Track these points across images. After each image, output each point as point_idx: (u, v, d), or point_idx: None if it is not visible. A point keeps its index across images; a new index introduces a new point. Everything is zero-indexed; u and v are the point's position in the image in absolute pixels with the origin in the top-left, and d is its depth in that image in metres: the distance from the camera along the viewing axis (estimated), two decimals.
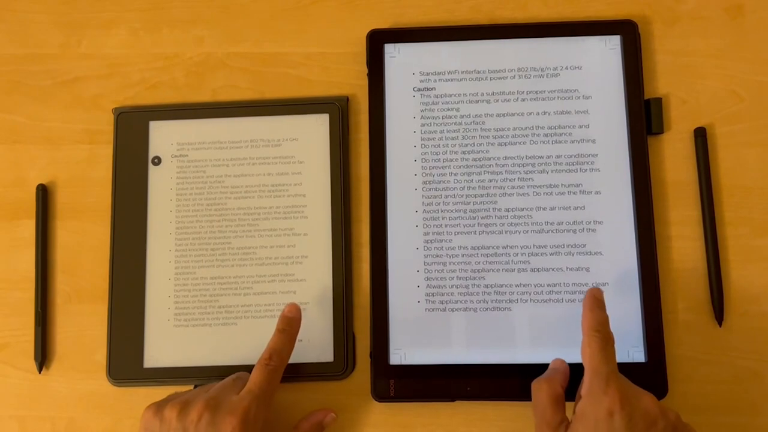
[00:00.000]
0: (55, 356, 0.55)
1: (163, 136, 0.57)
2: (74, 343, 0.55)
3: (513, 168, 0.55)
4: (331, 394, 0.53)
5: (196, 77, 0.58)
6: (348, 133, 0.57)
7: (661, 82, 0.56)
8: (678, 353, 0.52)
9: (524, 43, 0.56)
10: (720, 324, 0.53)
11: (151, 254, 0.55)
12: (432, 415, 0.52)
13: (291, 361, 0.50)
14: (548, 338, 0.52)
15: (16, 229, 0.57)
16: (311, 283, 0.54)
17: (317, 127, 0.56)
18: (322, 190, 0.55)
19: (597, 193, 0.54)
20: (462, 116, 0.56)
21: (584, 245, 0.53)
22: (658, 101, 0.55)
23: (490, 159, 0.55)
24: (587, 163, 0.54)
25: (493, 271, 0.53)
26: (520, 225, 0.54)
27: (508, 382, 0.51)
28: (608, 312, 0.47)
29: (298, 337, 0.51)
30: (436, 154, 0.55)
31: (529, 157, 0.55)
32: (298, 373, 0.52)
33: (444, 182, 0.55)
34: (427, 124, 0.56)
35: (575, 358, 0.48)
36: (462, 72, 0.56)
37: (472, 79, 0.56)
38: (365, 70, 0.57)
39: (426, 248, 0.54)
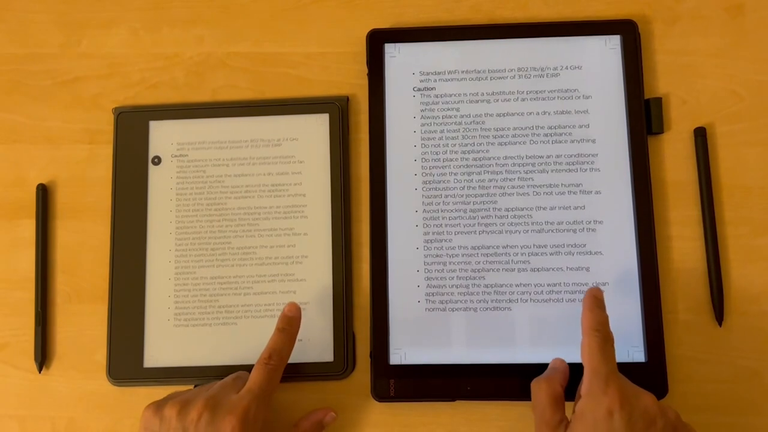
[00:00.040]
0: (55, 356, 0.55)
1: (163, 135, 0.57)
2: (74, 342, 0.55)
3: (513, 168, 0.55)
4: (331, 393, 0.53)
5: (196, 77, 0.58)
6: (348, 133, 0.57)
7: (661, 81, 0.56)
8: (678, 353, 0.52)
9: (524, 42, 0.56)
10: (720, 324, 0.53)
11: (151, 254, 0.55)
12: (432, 414, 0.52)
13: (291, 360, 0.50)
14: (548, 338, 0.52)
15: (16, 229, 0.57)
16: (311, 283, 0.54)
17: (317, 126, 0.56)
18: (322, 190, 0.55)
19: (597, 192, 0.54)
20: (462, 116, 0.56)
21: (584, 245, 0.53)
22: (658, 101, 0.55)
23: (490, 159, 0.55)
24: (587, 162, 0.54)
25: (493, 270, 0.53)
26: (520, 225, 0.54)
27: (508, 381, 0.51)
28: (608, 312, 0.47)
29: (298, 336, 0.51)
30: (436, 153, 0.55)
31: (529, 157, 0.55)
32: (298, 372, 0.52)
33: (444, 182, 0.55)
34: (427, 124, 0.56)
35: (575, 357, 0.48)
36: (462, 72, 0.56)
37: (472, 78, 0.56)
38: (365, 69, 0.57)
39: (426, 248, 0.54)
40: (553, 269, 0.53)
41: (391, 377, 0.52)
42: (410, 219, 0.54)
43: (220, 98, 0.58)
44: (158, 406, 0.47)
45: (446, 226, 0.54)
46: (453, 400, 0.52)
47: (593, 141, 0.55)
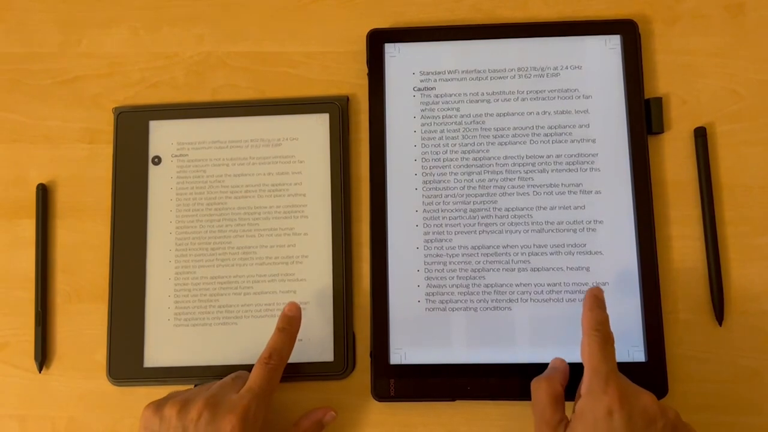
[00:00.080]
0: (55, 356, 0.55)
1: (163, 135, 0.57)
2: (74, 342, 0.55)
3: (513, 167, 0.55)
4: (331, 393, 0.53)
5: (196, 76, 0.58)
6: (348, 133, 0.57)
7: (662, 81, 0.56)
8: (678, 352, 0.52)
9: (524, 42, 0.56)
10: (720, 323, 0.53)
11: (151, 254, 0.55)
12: (432, 414, 0.52)
13: (291, 360, 0.50)
14: (548, 338, 0.52)
15: (16, 228, 0.57)
16: (311, 283, 0.54)
17: (317, 126, 0.56)
18: (322, 190, 0.55)
19: (597, 192, 0.54)
20: (462, 116, 0.56)
21: (584, 245, 0.53)
22: (658, 101, 0.55)
23: (490, 158, 0.55)
24: (587, 162, 0.54)
25: (493, 270, 0.53)
26: (521, 224, 0.54)
27: (508, 381, 0.51)
28: (608, 311, 0.47)
29: (298, 336, 0.50)
30: (437, 153, 0.55)
31: (530, 157, 0.55)
32: (298, 372, 0.52)
33: (444, 182, 0.55)
34: (428, 124, 0.56)
35: (575, 357, 0.48)
36: (462, 71, 0.56)
37: (473, 78, 0.56)
38: (365, 69, 0.57)
39: (426, 248, 0.54)
40: (553, 269, 0.53)
41: (391, 377, 0.52)
42: (410, 219, 0.54)
43: (220, 98, 0.58)
44: (158, 405, 0.47)
45: (446, 225, 0.54)
46: (453, 399, 0.52)
47: (593, 141, 0.55)
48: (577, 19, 0.57)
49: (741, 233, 0.54)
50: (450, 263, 0.53)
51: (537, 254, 0.53)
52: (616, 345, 0.46)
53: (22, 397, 0.54)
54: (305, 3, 0.59)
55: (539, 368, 0.50)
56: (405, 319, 0.53)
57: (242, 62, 0.58)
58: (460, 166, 0.55)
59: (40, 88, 0.59)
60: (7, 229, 0.57)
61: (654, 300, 0.52)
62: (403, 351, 0.52)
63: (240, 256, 0.55)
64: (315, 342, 0.53)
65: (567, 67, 0.56)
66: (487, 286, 0.53)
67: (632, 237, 0.53)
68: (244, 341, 0.53)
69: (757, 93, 0.56)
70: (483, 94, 0.56)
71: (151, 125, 0.57)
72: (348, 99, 0.57)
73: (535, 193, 0.54)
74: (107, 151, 0.57)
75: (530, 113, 0.55)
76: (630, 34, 0.56)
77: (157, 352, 0.54)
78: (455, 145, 0.55)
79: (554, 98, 0.55)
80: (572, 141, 0.55)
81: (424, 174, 0.55)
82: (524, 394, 0.49)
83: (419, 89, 0.56)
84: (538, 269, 0.53)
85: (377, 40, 0.57)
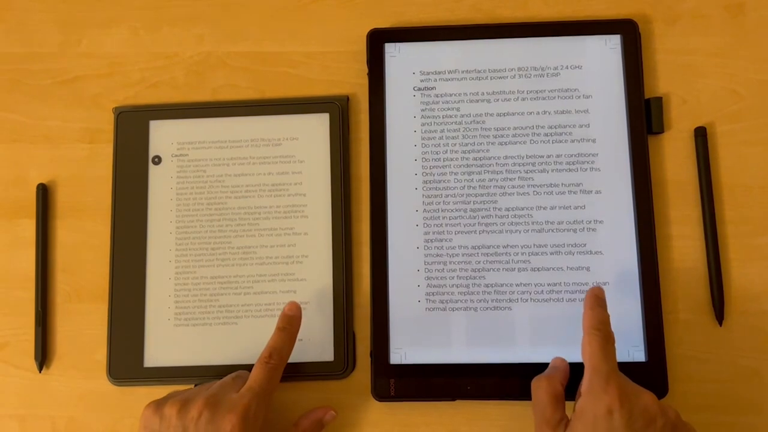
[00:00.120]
0: (55, 355, 0.55)
1: (163, 135, 0.57)
2: (74, 342, 0.55)
3: (513, 167, 0.55)
4: (332, 393, 0.53)
5: (196, 76, 0.58)
6: (348, 133, 0.57)
7: (662, 81, 0.56)
8: (678, 352, 0.52)
9: (524, 42, 0.56)
10: (720, 323, 0.53)
11: (152, 253, 0.55)
12: (432, 414, 0.52)
13: (291, 360, 0.50)
14: (548, 337, 0.52)
15: (16, 228, 0.57)
16: (311, 283, 0.54)
17: (317, 126, 0.56)
18: (322, 190, 0.55)
19: (597, 192, 0.54)
20: (462, 116, 0.56)
21: (584, 244, 0.53)
22: (659, 100, 0.55)
23: (490, 158, 0.55)
24: (587, 162, 0.54)
25: (493, 270, 0.53)
26: (521, 224, 0.54)
27: (508, 381, 0.51)
28: (608, 311, 0.47)
29: (299, 336, 0.50)
30: (437, 153, 0.55)
31: (530, 157, 0.55)
32: (298, 372, 0.52)
33: (444, 181, 0.55)
34: (428, 124, 0.56)
35: (575, 357, 0.48)
36: (462, 71, 0.56)
37: (473, 78, 0.56)
38: (365, 69, 0.57)
39: (426, 247, 0.54)
40: (553, 269, 0.53)
41: (392, 377, 0.52)
42: (410, 218, 0.54)
43: (220, 98, 0.58)
44: (158, 404, 0.47)
45: (446, 225, 0.54)
46: (453, 399, 0.52)
47: (593, 140, 0.55)
48: (577, 19, 0.57)
49: (741, 233, 0.54)
50: (450, 263, 0.53)
51: (537, 254, 0.53)
52: (616, 345, 0.46)
53: (22, 397, 0.54)
54: (305, 3, 0.59)
55: (539, 368, 0.50)
56: (405, 318, 0.53)
57: (242, 62, 0.58)
58: (460, 166, 0.55)
59: (40, 88, 0.59)
60: (7, 229, 0.57)
61: (654, 300, 0.52)
62: (403, 351, 0.52)
63: (240, 256, 0.55)
64: (315, 342, 0.53)
65: (567, 67, 0.56)
66: (487, 285, 0.53)
67: (632, 237, 0.53)
68: (244, 341, 0.53)
69: (757, 93, 0.56)
70: (483, 93, 0.56)
71: (151, 125, 0.57)
72: (348, 99, 0.57)
73: (535, 192, 0.54)
74: (107, 151, 0.57)
75: (530, 113, 0.55)
76: (630, 34, 0.56)
77: (157, 352, 0.54)
78: (455, 144, 0.55)
79: (554, 98, 0.55)
80: (572, 141, 0.55)
81: (424, 174, 0.55)
82: (524, 394, 0.49)
83: (419, 89, 0.56)
84: (538, 269, 0.53)
85: (377, 40, 0.57)
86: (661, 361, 0.51)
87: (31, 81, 0.59)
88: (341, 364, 0.53)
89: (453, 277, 0.53)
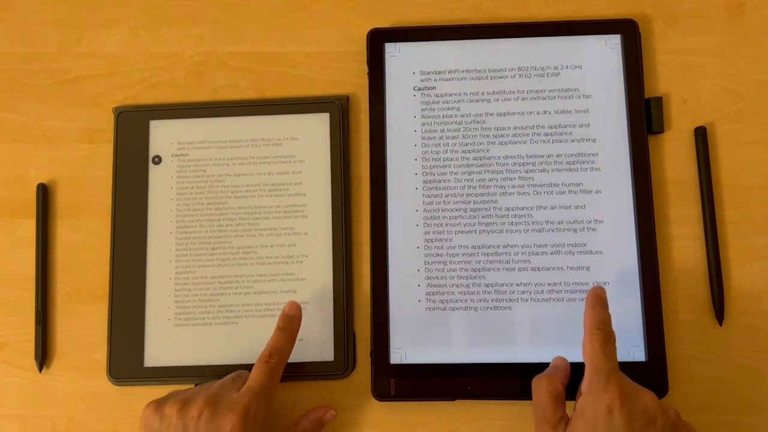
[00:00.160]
0: (55, 355, 0.55)
1: (163, 135, 0.57)
2: (74, 342, 0.55)
3: (513, 167, 0.55)
4: (332, 393, 0.53)
5: (196, 76, 0.58)
6: (348, 133, 0.57)
7: (662, 81, 0.56)
8: (678, 352, 0.52)
9: (524, 42, 0.56)
10: (720, 323, 0.53)
11: (152, 253, 0.55)
12: (432, 414, 0.52)
13: (291, 360, 0.50)
14: (549, 337, 0.52)
15: (16, 228, 0.57)
16: (311, 283, 0.54)
17: (317, 126, 0.56)
18: (322, 190, 0.55)
19: (597, 192, 0.54)
20: (462, 115, 0.56)
21: (585, 244, 0.53)
22: (659, 100, 0.55)
23: (490, 158, 0.55)
24: (588, 162, 0.54)
25: (493, 270, 0.53)
26: (521, 224, 0.54)
27: (508, 381, 0.51)
28: (609, 311, 0.47)
29: (299, 336, 0.50)
30: (437, 153, 0.55)
31: (530, 156, 0.55)
32: (298, 372, 0.52)
33: (444, 181, 0.55)
34: (428, 124, 0.56)
35: (576, 357, 0.48)
36: (462, 71, 0.56)
37: (473, 78, 0.56)
38: (366, 69, 0.57)
39: (426, 247, 0.54)
40: (553, 268, 0.53)
41: (392, 376, 0.52)
42: (410, 218, 0.54)
43: (220, 98, 0.58)
44: (158, 404, 0.47)
45: (447, 225, 0.54)
46: (453, 399, 0.52)
47: (593, 140, 0.55)
48: (577, 19, 0.57)
49: (741, 233, 0.54)
50: (450, 263, 0.53)
51: (537, 254, 0.53)
52: (616, 344, 0.46)
53: (22, 397, 0.54)
54: (305, 3, 0.59)
55: (539, 368, 0.50)
56: (405, 318, 0.53)
57: (242, 62, 0.59)
58: (460, 166, 0.55)
59: (40, 88, 0.59)
60: (7, 229, 0.57)
61: (654, 299, 0.52)
62: (404, 351, 0.52)
63: (240, 256, 0.55)
64: (315, 341, 0.53)
65: (567, 67, 0.56)
66: (487, 285, 0.53)
67: (632, 236, 0.53)
68: (245, 341, 0.53)
69: (757, 93, 0.56)
70: (483, 93, 0.56)
71: (151, 125, 0.57)
72: (348, 99, 0.57)
73: (535, 192, 0.54)
74: (107, 150, 0.57)
75: (530, 113, 0.55)
76: (630, 34, 0.56)
77: (157, 352, 0.54)
78: (455, 144, 0.55)
79: (554, 98, 0.55)
80: (572, 140, 0.55)
81: (424, 173, 0.55)
82: (524, 394, 0.49)
83: (419, 89, 0.56)
84: (538, 269, 0.53)
85: (377, 40, 0.57)
86: (661, 361, 0.51)
87: (31, 81, 0.59)
88: (341, 364, 0.53)
89: (453, 277, 0.53)
